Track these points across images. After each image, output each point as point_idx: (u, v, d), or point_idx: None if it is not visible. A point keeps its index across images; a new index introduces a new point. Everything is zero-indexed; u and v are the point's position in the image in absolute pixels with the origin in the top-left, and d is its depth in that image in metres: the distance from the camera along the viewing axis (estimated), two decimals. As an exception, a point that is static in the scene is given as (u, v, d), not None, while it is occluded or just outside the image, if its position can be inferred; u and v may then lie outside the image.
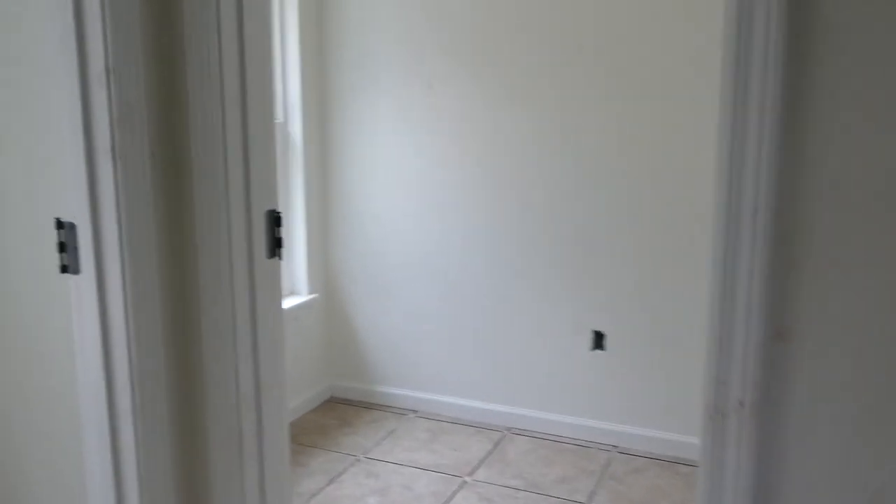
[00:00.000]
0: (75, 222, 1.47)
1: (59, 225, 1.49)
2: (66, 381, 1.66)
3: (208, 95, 1.50)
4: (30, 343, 1.94)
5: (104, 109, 1.41)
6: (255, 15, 1.55)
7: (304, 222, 3.61)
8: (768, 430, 1.23)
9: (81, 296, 1.49)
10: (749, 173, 1.22)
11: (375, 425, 3.53)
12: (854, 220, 1.20)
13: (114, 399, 1.50)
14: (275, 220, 1.65)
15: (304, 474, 3.06)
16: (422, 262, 3.58)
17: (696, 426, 1.33)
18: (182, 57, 1.49)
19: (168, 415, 1.56)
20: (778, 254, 1.23)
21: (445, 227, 3.50)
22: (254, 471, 1.65)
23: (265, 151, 1.62)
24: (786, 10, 1.16)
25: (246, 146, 1.55)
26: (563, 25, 3.16)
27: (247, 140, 1.55)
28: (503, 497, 2.91)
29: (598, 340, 3.32)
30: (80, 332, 1.52)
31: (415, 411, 3.67)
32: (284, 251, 3.59)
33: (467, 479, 3.05)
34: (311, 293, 3.68)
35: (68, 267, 1.50)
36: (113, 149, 1.42)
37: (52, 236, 1.51)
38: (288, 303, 3.55)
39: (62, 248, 1.50)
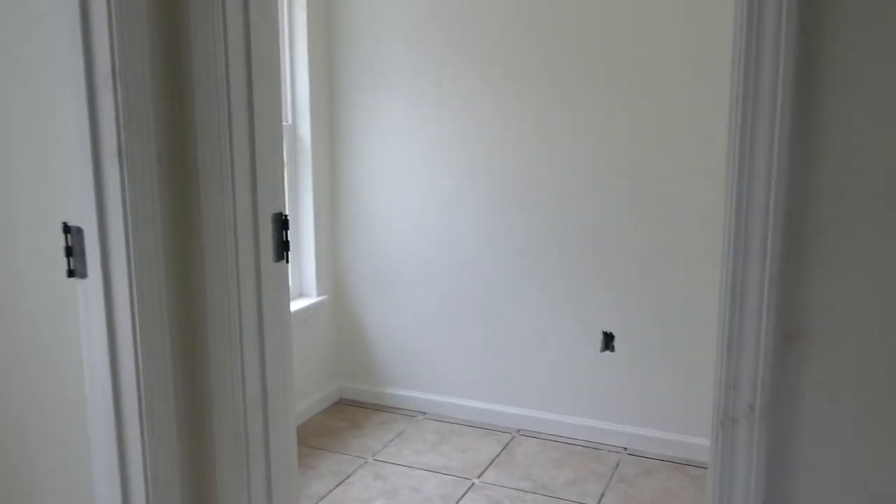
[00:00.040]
0: (82, 226, 1.47)
1: (66, 229, 1.50)
2: (79, 390, 1.66)
3: (215, 98, 1.49)
4: (44, 352, 1.94)
5: (110, 112, 1.41)
6: (262, 17, 1.55)
7: (312, 224, 3.61)
8: (779, 435, 1.22)
9: (88, 300, 1.49)
10: (760, 175, 1.21)
11: (384, 427, 3.53)
12: (867, 222, 1.18)
13: (120, 403, 1.50)
14: (282, 223, 1.64)
15: (312, 476, 3.06)
16: (430, 264, 3.57)
17: (706, 427, 1.32)
18: (188, 60, 1.49)
19: (174, 418, 1.56)
20: (790, 256, 1.21)
21: (454, 228, 3.49)
22: (260, 474, 1.65)
23: (272, 154, 1.61)
24: (796, 7, 1.14)
25: (253, 149, 1.55)
26: (573, 25, 3.15)
27: (253, 143, 1.55)
28: (512, 499, 2.90)
29: (608, 341, 3.31)
30: (87, 337, 1.52)
31: (424, 413, 3.66)
32: (293, 253, 3.63)
33: (476, 481, 3.04)
34: (320, 295, 3.68)
35: (75, 271, 1.50)
36: (119, 152, 1.42)
37: (61, 241, 1.51)
38: (297, 305, 3.55)
39: (69, 252, 1.50)
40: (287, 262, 1.68)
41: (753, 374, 1.20)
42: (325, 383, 3.77)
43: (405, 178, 3.55)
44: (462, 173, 3.44)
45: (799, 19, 1.15)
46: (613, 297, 3.26)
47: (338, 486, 2.99)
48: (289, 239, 1.66)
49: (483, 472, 3.10)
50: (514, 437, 3.43)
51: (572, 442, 3.36)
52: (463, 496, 2.92)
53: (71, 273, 1.50)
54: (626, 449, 3.29)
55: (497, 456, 3.25)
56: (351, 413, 3.69)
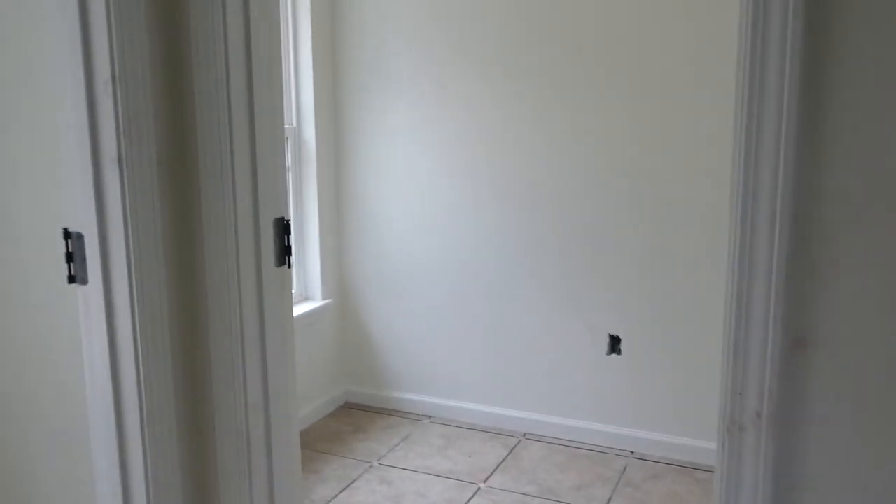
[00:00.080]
0: (83, 232, 1.46)
1: (67, 235, 1.49)
2: (81, 394, 1.66)
3: (215, 101, 1.48)
4: (46, 356, 1.94)
5: (110, 118, 1.40)
6: (263, 16, 1.54)
7: (317, 227, 3.60)
8: (787, 443, 1.20)
9: (89, 306, 1.48)
10: (767, 177, 1.19)
11: (390, 431, 3.51)
12: (876, 225, 1.16)
13: (121, 408, 1.49)
14: (284, 227, 1.63)
15: (317, 481, 3.04)
16: (435, 266, 3.56)
17: (713, 431, 1.30)
18: (188, 62, 1.48)
19: (176, 424, 1.55)
20: (797, 260, 1.19)
21: (457, 231, 3.48)
22: (263, 480, 1.64)
23: (274, 159, 1.60)
24: (803, 5, 1.12)
25: (254, 154, 1.54)
26: (573, 25, 3.13)
27: (255, 148, 1.54)
28: (518, 504, 2.88)
29: (615, 345, 3.29)
30: (88, 343, 1.51)
31: (429, 417, 3.65)
32: (298, 256, 3.62)
33: (482, 485, 3.02)
34: (325, 298, 3.67)
35: (76, 277, 1.49)
36: (119, 158, 1.41)
37: (62, 247, 1.50)
38: (302, 308, 3.54)
39: (70, 258, 1.49)
40: (289, 266, 1.66)
41: (760, 380, 1.18)
42: (330, 387, 3.76)
43: (409, 180, 3.54)
44: (463, 173, 3.43)
45: (806, 18, 1.13)
46: (617, 298, 3.24)
47: (343, 490, 2.98)
48: (290, 244, 1.65)
49: (489, 477, 3.09)
50: (520, 440, 3.41)
51: (579, 446, 3.34)
52: (469, 501, 2.90)
53: (72, 279, 1.49)
54: (632, 453, 3.27)
55: (503, 460, 3.23)
56: (356, 417, 3.68)
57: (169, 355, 1.51)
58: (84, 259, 1.47)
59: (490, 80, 3.31)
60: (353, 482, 3.04)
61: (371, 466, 3.17)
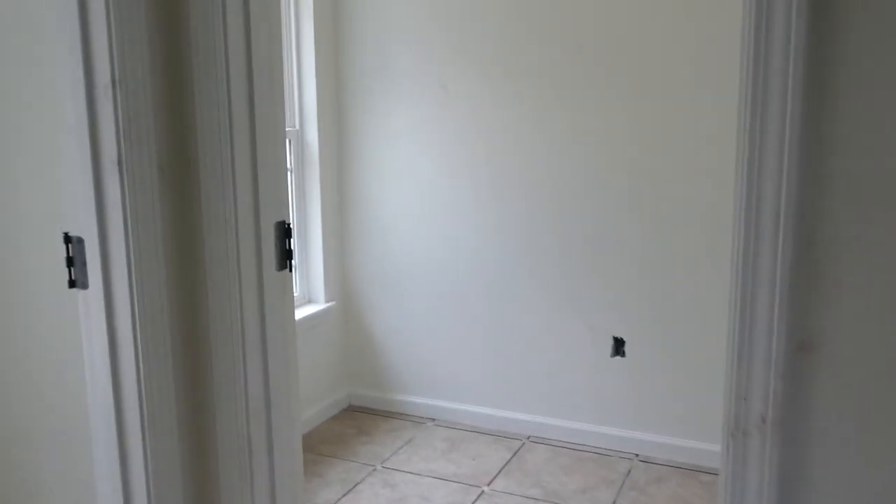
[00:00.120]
0: (83, 237, 1.46)
1: (68, 239, 1.48)
2: (83, 397, 1.65)
3: (216, 107, 1.48)
4: (49, 360, 1.94)
5: (111, 122, 1.40)
6: (263, 21, 1.53)
7: (320, 230, 3.59)
8: (792, 448, 1.18)
9: (90, 311, 1.48)
10: (771, 178, 1.18)
11: (393, 434, 3.51)
12: (882, 228, 1.15)
13: (122, 414, 1.48)
14: (285, 231, 1.63)
15: (321, 484, 3.04)
16: (437, 268, 3.55)
17: (718, 434, 1.29)
18: (189, 68, 1.48)
19: (177, 429, 1.54)
20: (801, 263, 1.18)
21: (460, 232, 3.47)
22: (264, 486, 1.63)
23: (275, 162, 1.59)
24: (806, 6, 1.11)
25: (254, 158, 1.53)
26: (573, 25, 3.13)
27: (255, 152, 1.53)
28: (522, 507, 2.87)
29: (619, 347, 3.27)
30: (89, 347, 1.50)
31: (433, 419, 3.64)
32: (301, 259, 3.62)
33: (486, 488, 3.01)
34: (328, 301, 3.66)
35: (77, 282, 1.48)
36: (120, 162, 1.40)
37: (63, 251, 1.50)
38: (305, 311, 3.53)
39: (70, 262, 1.48)
40: (290, 270, 1.66)
41: (765, 385, 1.17)
42: (333, 390, 3.76)
43: (412, 181, 3.53)
44: (464, 174, 3.43)
45: (809, 18, 1.12)
46: (617, 297, 3.23)
47: (346, 494, 2.97)
48: (292, 248, 1.64)
49: (493, 480, 3.07)
50: (524, 443, 3.40)
51: (583, 449, 3.33)
52: (472, 504, 2.89)
53: (72, 283, 1.49)
54: (637, 455, 3.26)
55: (507, 463, 3.22)
56: (360, 420, 3.67)
57: (169, 360, 1.50)
58: (84, 263, 1.46)
59: (490, 81, 3.31)
60: (356, 485, 3.03)
61: (374, 470, 3.17)
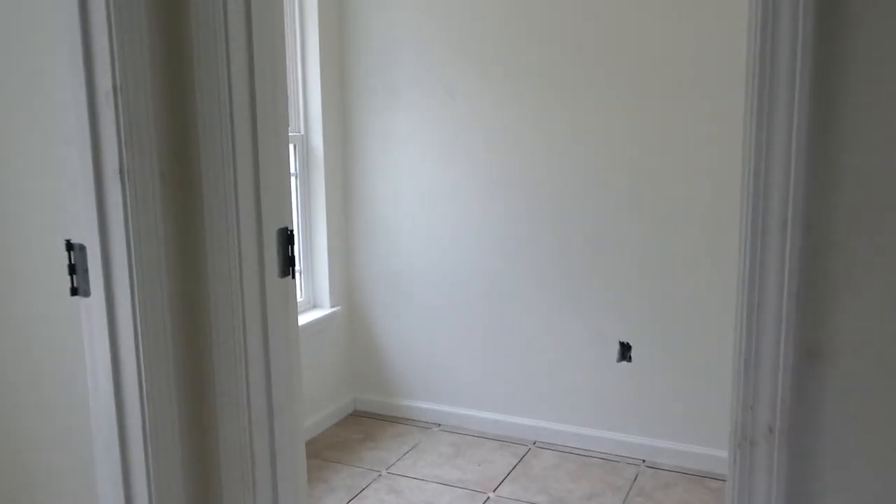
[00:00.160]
0: (85, 244, 1.45)
1: (70, 247, 1.48)
2: (87, 405, 1.65)
3: (217, 114, 1.47)
4: (54, 367, 1.93)
5: (112, 129, 1.39)
6: (266, 30, 1.52)
7: (325, 234, 3.59)
8: (801, 458, 1.16)
9: (92, 319, 1.47)
10: (777, 184, 1.16)
11: (399, 439, 3.49)
12: (892, 233, 1.13)
13: (124, 423, 1.47)
14: (287, 238, 1.62)
15: (325, 490, 3.02)
16: (441, 272, 3.54)
17: (725, 439, 1.27)
18: (190, 75, 1.47)
19: (179, 437, 1.53)
20: (809, 270, 1.16)
21: (463, 235, 3.46)
22: (267, 493, 1.62)
23: (277, 169, 1.58)
24: (813, 6, 1.09)
25: (256, 165, 1.52)
26: (573, 25, 3.12)
27: (257, 159, 1.52)
28: (528, 514, 2.85)
29: (625, 352, 3.25)
30: (91, 354, 1.50)
31: (439, 425, 3.62)
32: (306, 263, 3.61)
33: (491, 494, 2.99)
34: (333, 306, 3.66)
35: (79, 289, 1.48)
36: (121, 169, 1.40)
37: (65, 259, 1.50)
38: (311, 316, 3.53)
39: (73, 270, 1.48)
40: (293, 277, 1.65)
41: (773, 394, 1.15)
42: (338, 395, 3.75)
43: (414, 184, 3.53)
44: (465, 175, 3.42)
45: (816, 17, 1.10)
46: (631, 308, 3.21)
47: (351, 500, 2.96)
48: (294, 254, 1.63)
49: (499, 486, 3.06)
50: (529, 448, 3.38)
51: (590, 454, 3.31)
52: (478, 511, 2.87)
53: (74, 291, 1.48)
54: (644, 461, 3.23)
55: (513, 469, 3.20)
56: (365, 425, 3.66)
57: (171, 367, 1.49)
58: (86, 271, 1.46)
59: (490, 81, 3.31)
60: (361, 491, 3.02)
61: (380, 475, 3.15)
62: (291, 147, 3.47)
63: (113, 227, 1.41)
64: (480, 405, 3.56)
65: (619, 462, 3.24)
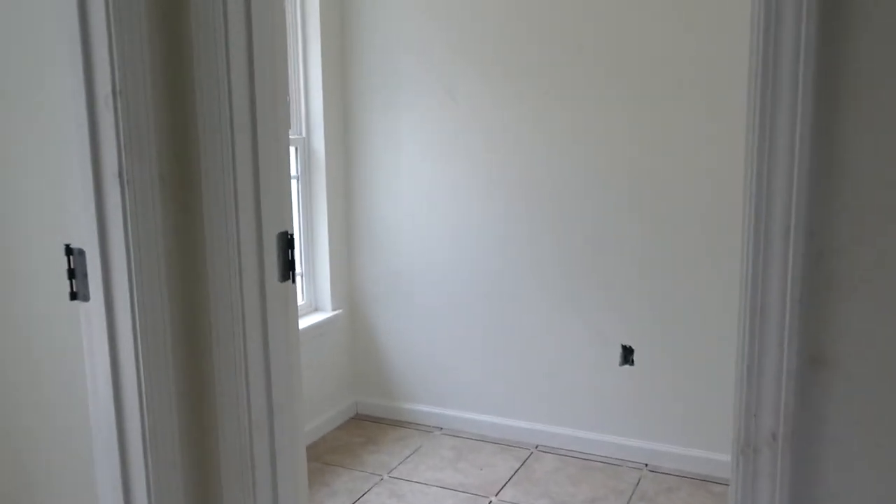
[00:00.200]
0: (84, 249, 1.45)
1: (69, 251, 1.47)
2: (86, 408, 1.65)
3: (217, 116, 1.46)
4: (55, 371, 1.93)
5: (111, 133, 1.38)
6: (266, 31, 1.52)
7: (327, 237, 3.58)
8: (804, 465, 1.15)
9: (91, 323, 1.46)
10: (780, 188, 1.15)
11: (401, 443, 3.48)
12: (894, 238, 1.12)
13: (124, 427, 1.47)
14: (287, 242, 1.61)
15: (326, 494, 3.02)
16: (443, 274, 3.53)
17: (728, 444, 1.26)
18: (190, 75, 1.46)
19: (178, 441, 1.52)
20: (813, 276, 1.15)
21: (464, 237, 3.45)
22: (267, 494, 1.61)
23: (277, 173, 1.58)
24: (816, 7, 1.08)
25: (256, 169, 1.51)
26: (573, 25, 3.11)
27: (257, 162, 1.52)
28: (530, 518, 2.84)
29: (627, 355, 3.24)
30: (91, 360, 1.49)
31: (440, 428, 3.61)
32: (307, 266, 3.60)
33: (493, 498, 2.98)
34: (335, 309, 3.65)
35: (78, 294, 1.47)
36: (121, 173, 1.39)
37: (64, 263, 1.49)
38: (312, 319, 3.52)
39: (72, 274, 1.47)
40: (293, 281, 1.64)
41: (776, 401, 1.14)
42: (340, 398, 3.74)
43: (415, 185, 3.52)
44: (465, 176, 3.41)
45: (820, 19, 1.09)
46: (634, 311, 3.20)
47: (353, 504, 2.95)
48: (295, 258, 1.62)
49: (500, 490, 3.04)
50: (532, 452, 3.37)
51: (592, 458, 3.29)
52: (480, 515, 2.86)
53: (74, 296, 1.48)
54: (646, 465, 3.22)
55: (515, 472, 3.19)
56: (367, 428, 3.65)
57: (171, 372, 1.49)
58: (86, 275, 1.45)
59: (490, 81, 3.30)
60: (363, 495, 3.01)
61: (381, 479, 3.14)
62: (293, 150, 3.46)
63: (112, 231, 1.41)
64: (481, 407, 3.55)
65: (620, 466, 3.23)
